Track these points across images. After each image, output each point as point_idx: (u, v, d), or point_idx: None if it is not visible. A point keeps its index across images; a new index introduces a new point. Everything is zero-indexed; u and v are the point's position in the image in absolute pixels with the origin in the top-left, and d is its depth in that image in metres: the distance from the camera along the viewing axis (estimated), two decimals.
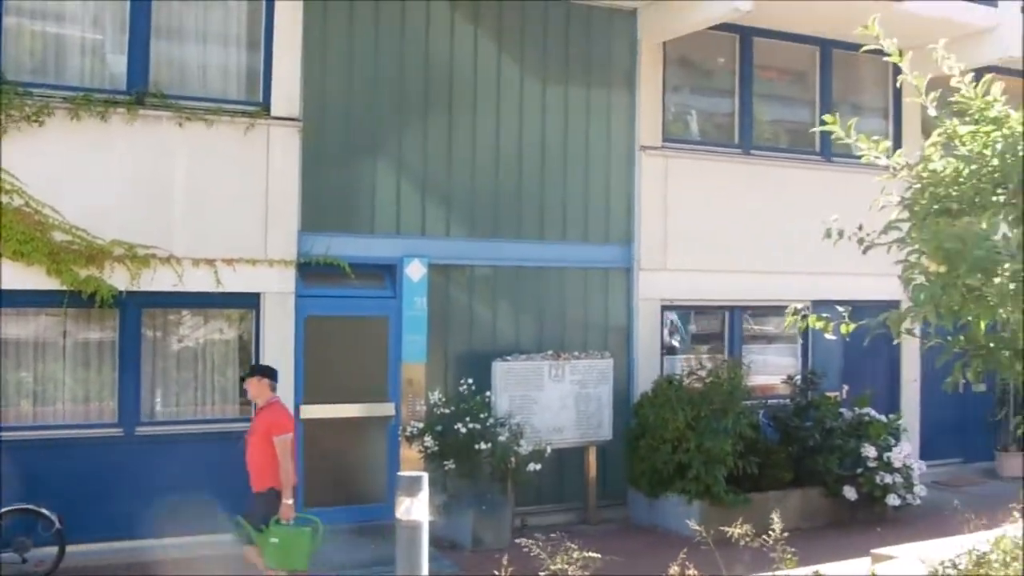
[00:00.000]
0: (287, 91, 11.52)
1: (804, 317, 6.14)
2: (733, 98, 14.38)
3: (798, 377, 13.97)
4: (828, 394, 13.70)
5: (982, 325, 5.57)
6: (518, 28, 12.83)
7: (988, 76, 5.96)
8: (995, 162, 5.74)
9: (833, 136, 6.19)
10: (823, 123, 6.30)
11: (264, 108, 11.45)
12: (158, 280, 10.77)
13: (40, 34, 10.90)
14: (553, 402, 12.36)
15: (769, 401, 13.83)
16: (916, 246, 5.65)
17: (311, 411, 11.51)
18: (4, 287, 10.21)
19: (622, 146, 13.43)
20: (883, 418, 13.23)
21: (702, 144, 14.21)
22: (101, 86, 10.94)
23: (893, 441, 13.00)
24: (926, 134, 6.28)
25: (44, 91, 10.53)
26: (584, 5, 13.15)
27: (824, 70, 14.79)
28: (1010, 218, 5.67)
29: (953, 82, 6.00)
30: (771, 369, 14.46)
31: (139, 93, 10.93)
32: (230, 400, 11.37)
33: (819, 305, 13.85)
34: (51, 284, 10.35)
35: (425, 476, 7.46)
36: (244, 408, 11.18)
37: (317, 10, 11.69)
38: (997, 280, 5.34)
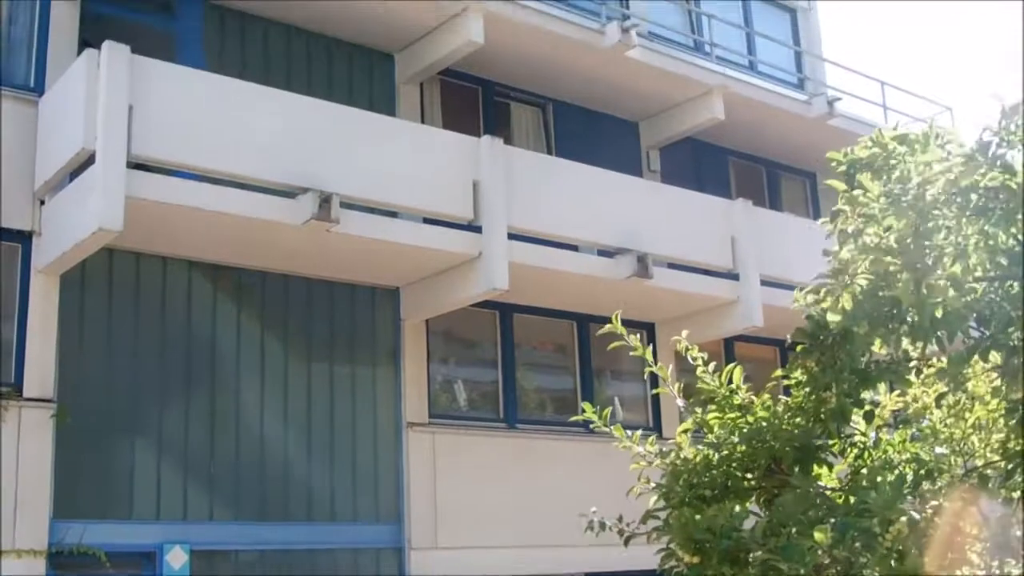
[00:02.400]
0: (41, 371, 11.37)
1: None
2: (497, 372, 15.00)
3: None
4: None
5: None
6: (282, 305, 13.20)
7: (730, 366, 6.59)
8: (742, 448, 6.29)
9: (592, 426, 6.73)
10: (583, 410, 6.83)
11: (16, 389, 11.22)
12: None
13: None
14: None
15: None
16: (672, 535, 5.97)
17: None
18: None
19: (389, 423, 13.72)
20: None
21: (468, 419, 14.66)
22: None
23: None
24: (684, 395, 6.81)
25: None
26: (347, 283, 13.66)
27: (582, 342, 15.66)
28: (762, 500, 6.19)
29: (698, 372, 6.61)
30: None
31: None
32: None
33: None
34: None
35: None
36: None
37: (75, 286, 11.77)
38: (748, 570, 5.73)
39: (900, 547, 5.09)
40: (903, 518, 5.14)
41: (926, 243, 5.23)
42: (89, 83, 10.78)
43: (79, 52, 11.52)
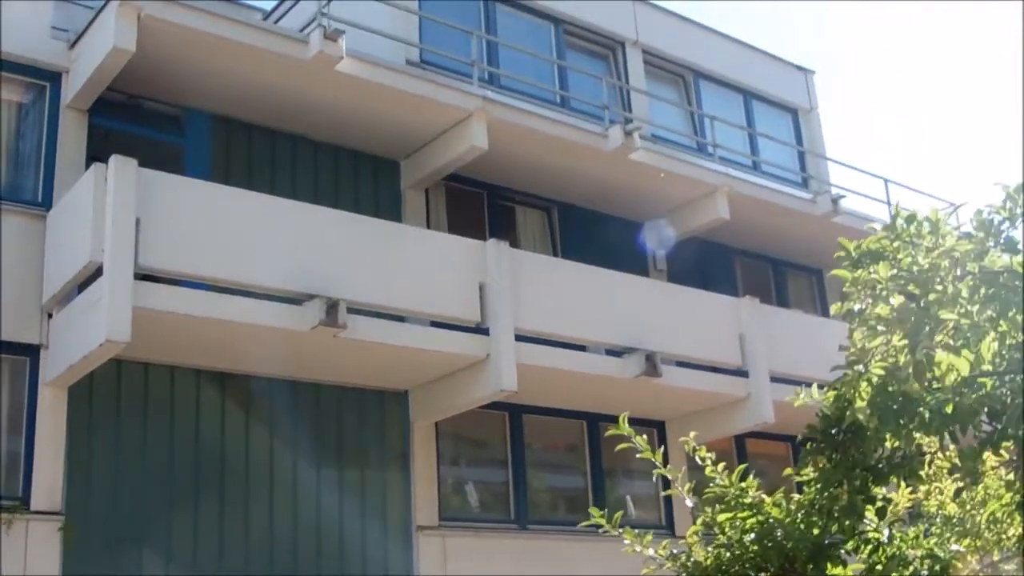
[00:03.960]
0: (49, 483, 11.20)
1: None
2: (507, 472, 14.78)
3: None
4: None
5: None
6: (290, 411, 13.05)
7: (741, 466, 6.46)
8: (755, 548, 6.14)
9: (601, 531, 6.61)
10: (591, 515, 6.72)
11: (23, 502, 11.04)
12: None
13: None
14: None
15: None
16: None
17: None
18: None
19: (399, 527, 13.46)
20: None
21: (480, 521, 14.40)
22: None
23: None
24: (696, 494, 6.68)
25: None
26: (356, 388, 13.51)
27: (593, 442, 15.44)
28: None
29: (707, 471, 6.49)
30: None
31: None
32: None
33: None
34: None
35: None
36: None
37: (83, 398, 11.65)
38: None
39: None
40: None
41: (926, 316, 5.12)
42: (96, 196, 10.81)
43: (87, 167, 11.53)
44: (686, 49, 19.48)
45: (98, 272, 10.73)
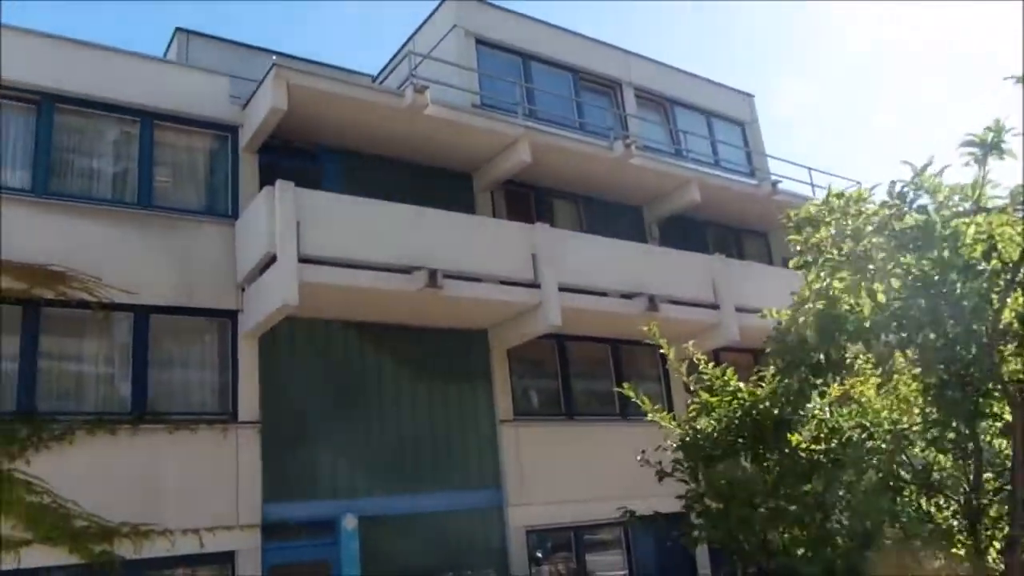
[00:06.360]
0: (249, 402, 11.20)
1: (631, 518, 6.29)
2: (558, 381, 14.55)
3: None
4: None
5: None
6: (408, 346, 12.87)
7: (724, 365, 6.23)
8: (736, 420, 5.94)
9: (623, 393, 6.46)
10: (620, 388, 6.53)
11: (233, 416, 11.07)
12: (156, 548, 9.97)
13: (64, 372, 10.48)
14: None
15: None
16: (695, 486, 5.80)
17: None
18: (35, 565, 9.30)
19: (487, 421, 13.33)
20: None
21: (541, 415, 14.20)
22: (111, 409, 10.47)
23: None
24: (687, 390, 6.52)
25: (68, 417, 10.02)
26: (451, 329, 13.33)
27: (615, 358, 15.10)
28: (750, 457, 5.83)
29: (701, 368, 6.29)
30: (605, 567, 13.93)
31: (140, 413, 10.50)
32: None
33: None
34: (72, 560, 9.48)
35: None
36: None
37: (268, 343, 11.60)
38: (759, 511, 5.40)
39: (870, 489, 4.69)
40: (870, 470, 4.75)
41: (869, 266, 4.86)
42: (268, 208, 10.73)
43: (260, 189, 11.43)
44: (664, 85, 18.97)
45: (273, 259, 10.66)
